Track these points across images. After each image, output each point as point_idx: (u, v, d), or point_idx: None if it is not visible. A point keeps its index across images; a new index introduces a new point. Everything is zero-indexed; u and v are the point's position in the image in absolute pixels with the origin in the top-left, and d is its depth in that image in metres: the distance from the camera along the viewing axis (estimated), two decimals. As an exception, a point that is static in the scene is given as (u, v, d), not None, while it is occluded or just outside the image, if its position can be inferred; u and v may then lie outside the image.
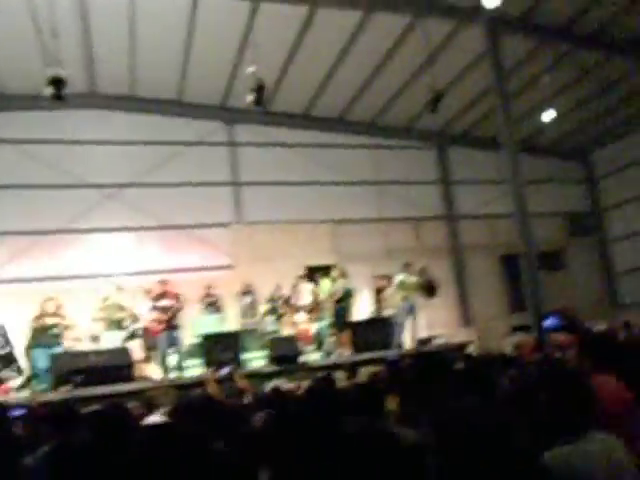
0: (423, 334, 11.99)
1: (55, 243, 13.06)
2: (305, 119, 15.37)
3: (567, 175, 18.10)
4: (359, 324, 11.96)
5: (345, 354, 11.44)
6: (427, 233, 15.83)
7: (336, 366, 10.37)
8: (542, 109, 14.07)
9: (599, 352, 3.58)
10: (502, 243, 15.12)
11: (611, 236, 18.03)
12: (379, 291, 12.39)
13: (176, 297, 10.63)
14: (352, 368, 9.33)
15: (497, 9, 10.73)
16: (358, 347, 11.34)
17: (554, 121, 14.21)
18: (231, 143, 14.91)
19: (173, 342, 10.50)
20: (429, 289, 12.16)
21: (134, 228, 13.57)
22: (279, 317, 12.00)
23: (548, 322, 10.59)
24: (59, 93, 9.18)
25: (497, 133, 12.21)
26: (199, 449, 2.05)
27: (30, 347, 9.97)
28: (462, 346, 11.66)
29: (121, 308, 10.68)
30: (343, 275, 12.00)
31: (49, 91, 9.15)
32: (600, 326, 10.23)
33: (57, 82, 9.10)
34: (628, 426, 2.58)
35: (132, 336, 10.71)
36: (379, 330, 11.73)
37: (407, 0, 11.60)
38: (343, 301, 11.88)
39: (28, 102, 12.64)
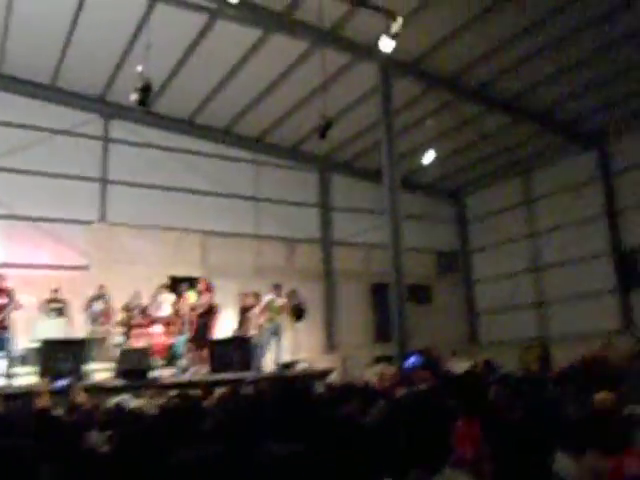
0: (286, 358, 11.61)
1: None
2: (189, 125, 14.87)
3: (441, 214, 19.00)
4: (220, 342, 11.44)
5: (202, 372, 10.86)
6: (301, 255, 15.74)
7: (191, 384, 9.83)
8: (424, 149, 14.67)
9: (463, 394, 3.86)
10: (374, 272, 15.39)
11: (475, 276, 19.01)
12: (244, 310, 11.88)
13: (9, 294, 9.66)
14: (207, 388, 8.69)
15: (392, 51, 11.08)
16: (216, 366, 10.79)
17: (434, 162, 14.84)
18: (105, 138, 14.02)
19: (1, 345, 9.50)
20: (296, 313, 11.94)
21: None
22: (129, 328, 11.11)
23: (411, 360, 10.76)
24: None
25: (380, 166, 12.45)
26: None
27: None
28: (325, 373, 11.47)
29: None
30: (208, 289, 11.48)
31: None
32: (463, 364, 10.38)
33: None
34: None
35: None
36: (240, 350, 11.25)
37: (307, 27, 11.61)
38: (206, 316, 11.29)
39: None
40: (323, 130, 11.39)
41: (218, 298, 11.51)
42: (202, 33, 11.61)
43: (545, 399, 4.99)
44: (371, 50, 11.66)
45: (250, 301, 11.94)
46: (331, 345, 15.56)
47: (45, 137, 12.97)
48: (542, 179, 17.14)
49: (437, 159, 14.88)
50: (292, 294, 12.01)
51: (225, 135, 15.29)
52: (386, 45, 10.92)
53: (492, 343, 16.79)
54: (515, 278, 17.38)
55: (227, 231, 14.70)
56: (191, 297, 11.55)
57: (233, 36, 11.67)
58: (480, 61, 12.64)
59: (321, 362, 12.54)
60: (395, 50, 10.97)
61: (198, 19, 11.30)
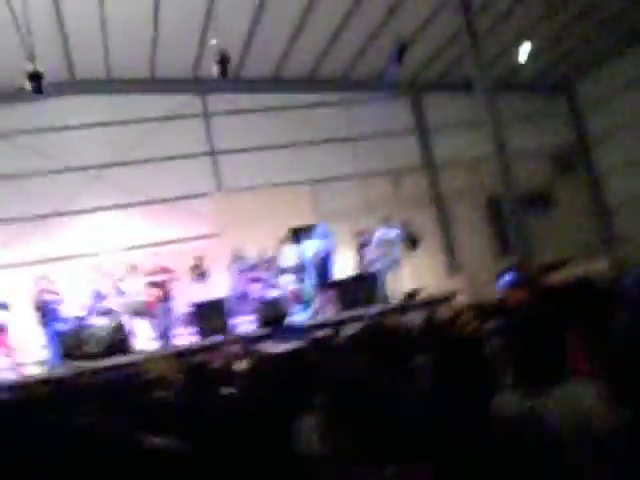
0: (410, 287, 11.82)
1: (47, 227, 13.50)
2: (274, 82, 15.27)
3: (551, 109, 17.37)
4: (343, 282, 12.04)
5: (332, 312, 11.51)
6: (407, 184, 15.61)
7: (323, 325, 10.52)
8: (517, 45, 13.33)
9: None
10: (486, 187, 14.76)
11: (602, 169, 17.36)
12: (361, 247, 12.21)
13: (168, 271, 11.22)
14: (335, 327, 9.34)
15: None
16: (344, 305, 11.40)
17: (532, 55, 13.49)
18: (204, 114, 14.98)
19: (168, 313, 11.09)
20: (411, 242, 12.02)
21: (120, 206, 13.94)
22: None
23: (506, 278, 10.35)
24: (39, 86, 9.62)
25: (472, 75, 11.66)
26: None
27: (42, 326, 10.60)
28: (449, 296, 11.52)
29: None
30: (325, 234, 11.98)
31: (29, 85, 9.58)
32: (599, 265, 9.65)
33: (35, 76, 9.52)
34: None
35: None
36: (363, 286, 11.72)
37: None
38: (327, 259, 11.92)
39: (10, 96, 13.01)
40: (399, 54, 11.04)
41: (335, 240, 12.14)
42: None
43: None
44: None
45: (363, 238, 12.29)
46: (454, 267, 15.58)
47: (155, 126, 14.23)
48: None
49: (536, 50, 13.50)
50: (403, 224, 12.09)
51: (309, 83, 15.48)
52: None
53: (635, 237, 15.04)
54: None
55: (332, 175, 15.10)
56: (311, 244, 12.18)
57: None
58: None
59: (444, 286, 12.55)
60: None
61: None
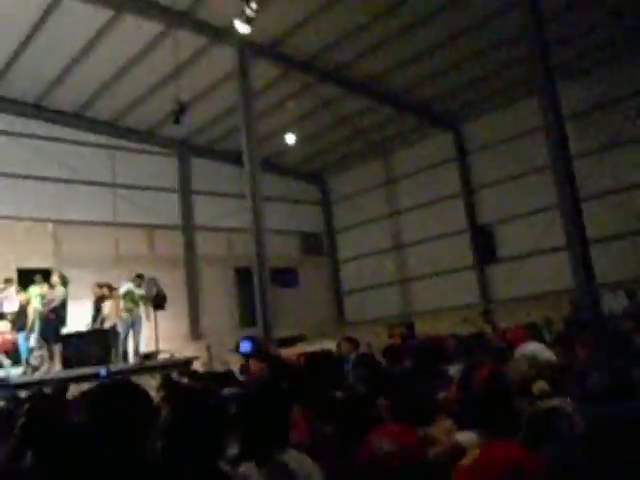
0: (150, 348, 11.16)
1: None
2: (36, 109, 13.94)
3: (304, 196, 19.43)
4: (73, 336, 10.94)
5: (54, 370, 10.23)
6: (162, 242, 15.52)
7: (43, 383, 9.20)
8: (285, 132, 14.78)
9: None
10: (238, 256, 15.45)
11: (340, 257, 19.68)
12: (99, 301, 11.26)
13: None
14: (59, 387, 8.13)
15: (249, 34, 11.05)
16: (70, 362, 10.24)
17: (295, 144, 14.98)
18: None
19: None
20: (156, 302, 11.51)
21: None
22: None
23: (244, 346, 10.98)
24: None
25: (241, 149, 12.21)
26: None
27: None
28: (188, 361, 11.23)
29: None
30: (64, 282, 10.76)
31: None
32: (329, 344, 10.47)
33: None
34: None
35: None
36: (97, 343, 10.69)
37: (161, 9, 11.35)
38: (60, 310, 10.65)
39: None
40: (177, 115, 11.10)
41: (73, 289, 11.08)
42: (48, 9, 10.81)
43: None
44: (227, 33, 11.61)
45: (104, 292, 11.32)
46: (196, 332, 15.58)
47: None
48: (401, 159, 17.99)
49: (298, 141, 15.15)
50: (151, 282, 11.56)
51: (77, 119, 14.52)
52: (242, 28, 10.83)
53: (361, 322, 17.31)
54: (379, 257, 18.24)
55: (82, 219, 14.01)
56: (42, 291, 10.77)
57: (81, 16, 11.07)
58: (337, 44, 12.94)
59: (186, 350, 12.28)
60: (252, 33, 10.99)
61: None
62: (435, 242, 16.65)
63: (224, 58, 12.39)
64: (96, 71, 12.70)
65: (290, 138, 14.78)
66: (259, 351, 9.69)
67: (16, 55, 11.83)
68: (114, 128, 15.06)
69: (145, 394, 1.94)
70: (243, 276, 15.61)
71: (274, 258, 12.97)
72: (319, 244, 19.37)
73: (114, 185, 14.73)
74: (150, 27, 11.69)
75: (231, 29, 10.96)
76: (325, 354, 7.63)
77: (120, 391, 1.91)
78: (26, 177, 13.34)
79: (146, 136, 15.56)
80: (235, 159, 13.89)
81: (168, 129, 14.85)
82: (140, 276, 11.35)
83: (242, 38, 11.35)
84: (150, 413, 1.94)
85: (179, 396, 3.81)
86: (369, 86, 14.61)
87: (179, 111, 11.00)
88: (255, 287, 11.96)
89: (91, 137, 14.65)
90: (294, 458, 2.34)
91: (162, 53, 12.02)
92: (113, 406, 1.81)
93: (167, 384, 6.61)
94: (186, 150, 16.52)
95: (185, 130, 14.76)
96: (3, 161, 13.00)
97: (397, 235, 17.93)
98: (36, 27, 11.16)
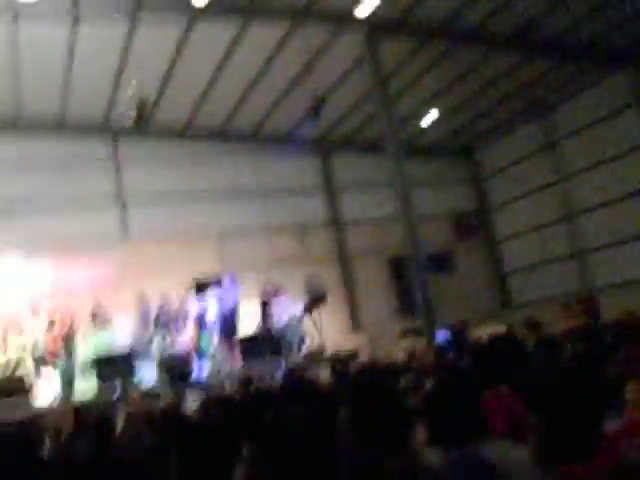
0: (314, 342, 11.43)
1: None
2: (184, 132, 15.06)
3: (454, 175, 18.11)
4: (248, 336, 11.52)
5: (235, 367, 10.96)
6: (313, 240, 15.66)
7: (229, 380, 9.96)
8: (425, 109, 13.99)
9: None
10: (391, 246, 15.04)
11: (499, 235, 18.06)
12: (266, 301, 11.61)
13: (70, 314, 10.52)
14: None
15: (374, 13, 10.78)
16: (249, 359, 10.84)
17: (438, 121, 14.15)
18: (115, 161, 14.53)
19: (70, 359, 10.37)
20: (317, 298, 11.65)
21: (26, 248, 12.73)
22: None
23: (441, 336, 10.99)
24: None
25: (381, 136, 11.86)
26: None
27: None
28: (353, 354, 11.24)
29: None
30: (235, 285, 11.59)
31: None
32: (497, 328, 9.87)
33: None
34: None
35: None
36: (269, 341, 11.14)
37: (284, 7, 11.40)
38: (232, 311, 11.36)
39: None
40: (317, 109, 11.10)
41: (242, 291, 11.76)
42: (181, 41, 11.56)
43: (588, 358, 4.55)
44: (350, 18, 11.28)
45: (270, 291, 11.73)
46: (356, 325, 15.62)
47: (65, 171, 13.47)
48: (564, 116, 15.50)
49: (442, 116, 14.20)
50: (311, 278, 11.73)
51: (221, 134, 15.33)
52: (362, 11, 10.75)
53: (528, 303, 15.82)
54: (546, 230, 16.19)
55: (240, 226, 14.78)
56: (217, 295, 11.60)
57: (212, 35, 11.57)
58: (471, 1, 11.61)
59: (348, 343, 12.34)
60: (379, 10, 10.60)
61: (178, 25, 11.24)
62: (616, 206, 14.22)
63: (352, 44, 12.05)
64: (233, 85, 13.15)
65: (432, 115, 14.03)
66: (456, 336, 9.62)
67: (163, 87, 12.81)
68: (256, 137, 15.58)
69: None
70: (397, 266, 15.46)
71: (427, 244, 12.49)
72: (474, 224, 18.02)
73: (263, 191, 15.28)
74: (276, 28, 11.76)
75: (354, 14, 10.72)
76: (508, 337, 7.03)
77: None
78: (191, 196, 14.47)
79: (286, 140, 15.87)
80: (376, 147, 13.54)
81: (306, 129, 14.98)
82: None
83: (367, 19, 11.00)
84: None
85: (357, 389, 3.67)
86: (515, 39, 12.77)
87: (317, 106, 11.05)
88: (412, 276, 11.74)
89: (236, 148, 15.30)
90: (494, 448, 2.15)
91: (290, 53, 12.10)
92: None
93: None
94: (326, 147, 16.58)
95: (322, 127, 14.80)
96: (171, 184, 14.34)
97: (567, 203, 15.84)
98: (173, 60, 11.98)
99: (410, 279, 12.27)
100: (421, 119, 14.35)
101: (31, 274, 12.72)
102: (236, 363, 11.05)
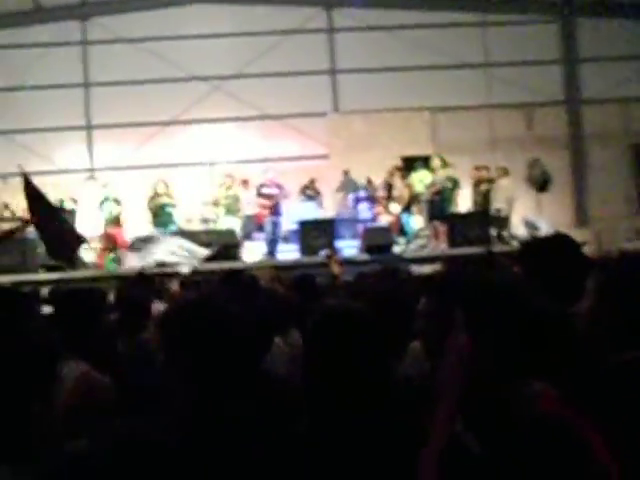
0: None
1: (166, 134, 13.35)
2: None
3: None
4: (459, 216, 10.68)
5: (440, 247, 10.33)
6: (541, 121, 13.30)
7: (430, 259, 9.51)
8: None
9: None
10: (634, 132, 12.21)
11: None
12: (478, 183, 10.72)
13: (279, 186, 10.52)
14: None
15: None
16: (455, 241, 10.12)
17: None
18: (329, 29, 13.65)
19: (275, 227, 10.42)
20: (540, 183, 10.36)
21: (236, 118, 13.29)
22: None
23: None
24: None
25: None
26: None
27: (153, 226, 10.50)
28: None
29: (237, 199, 10.82)
30: (445, 165, 10.67)
31: None
32: None
33: None
34: None
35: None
36: (480, 225, 10.32)
37: None
38: (444, 193, 10.59)
39: (142, 2, 13.11)
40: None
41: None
42: None
43: None
44: None
45: (482, 174, 10.78)
46: (582, 218, 13.32)
47: (279, 40, 13.17)
48: None
49: None
50: (534, 163, 10.44)
51: (445, 0, 13.52)
52: None
53: None
54: None
55: (456, 104, 13.16)
56: (424, 175, 10.95)
57: None
58: None
59: (573, 236, 10.69)
60: None
61: None
62: None
63: None
64: None
65: None
66: None
67: None
68: (485, 3, 13.43)
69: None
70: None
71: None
72: None
73: (487, 64, 13.25)
74: None
75: None
76: None
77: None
78: (404, 68, 13.21)
79: (521, 5, 13.44)
80: (633, 11, 10.83)
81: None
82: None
83: None
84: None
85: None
86: None
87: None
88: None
89: (460, 17, 13.41)
90: None
91: None
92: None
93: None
94: (570, 11, 13.59)
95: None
96: (384, 56, 13.08)
97: None
98: None
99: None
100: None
101: (241, 145, 13.05)
102: (441, 244, 10.38)
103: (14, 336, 1.46)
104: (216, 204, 10.89)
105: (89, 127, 13.61)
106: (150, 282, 5.27)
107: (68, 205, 11.13)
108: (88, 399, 1.91)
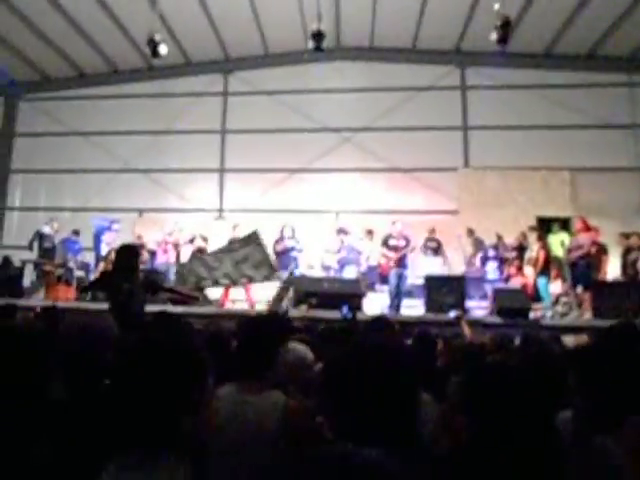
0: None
1: (294, 180, 13.58)
2: (545, 58, 12.93)
3: None
4: (605, 285, 9.66)
5: (585, 317, 9.43)
6: None
7: (571, 329, 8.65)
8: None
9: None
10: None
11: None
12: (627, 252, 9.77)
13: (407, 239, 10.15)
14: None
15: None
16: (600, 311, 9.19)
17: None
18: (462, 87, 13.43)
19: (401, 280, 9.96)
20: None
21: (364, 169, 13.26)
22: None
23: None
24: (319, 45, 9.85)
25: None
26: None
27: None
28: None
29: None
30: (589, 228, 9.80)
31: (311, 44, 9.86)
32: None
33: (318, 35, 9.80)
34: None
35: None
36: (630, 295, 9.30)
37: None
38: (589, 257, 9.83)
39: (281, 58, 13.71)
40: None
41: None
42: None
43: None
44: None
45: (630, 242, 9.82)
46: None
47: (411, 95, 13.22)
48: None
49: None
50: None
51: (588, 60, 12.78)
52: None
53: None
54: None
55: (600, 165, 12.28)
56: (562, 238, 10.25)
57: None
58: None
59: None
60: None
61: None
62: None
63: None
64: (606, 6, 10.81)
65: None
66: None
67: (524, 9, 11.25)
68: (633, 62, 12.65)
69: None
70: None
71: None
72: None
73: (635, 126, 12.51)
74: None
75: None
76: None
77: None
78: (540, 127, 12.65)
79: None
80: None
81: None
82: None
83: None
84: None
85: None
86: None
87: None
88: None
89: (605, 77, 12.76)
90: None
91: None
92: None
93: None
94: None
95: None
96: (518, 114, 12.68)
97: None
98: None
99: None
100: None
101: (368, 195, 12.93)
102: (584, 313, 9.41)
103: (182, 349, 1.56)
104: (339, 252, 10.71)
105: (222, 170, 14.18)
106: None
107: (199, 242, 11.43)
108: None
